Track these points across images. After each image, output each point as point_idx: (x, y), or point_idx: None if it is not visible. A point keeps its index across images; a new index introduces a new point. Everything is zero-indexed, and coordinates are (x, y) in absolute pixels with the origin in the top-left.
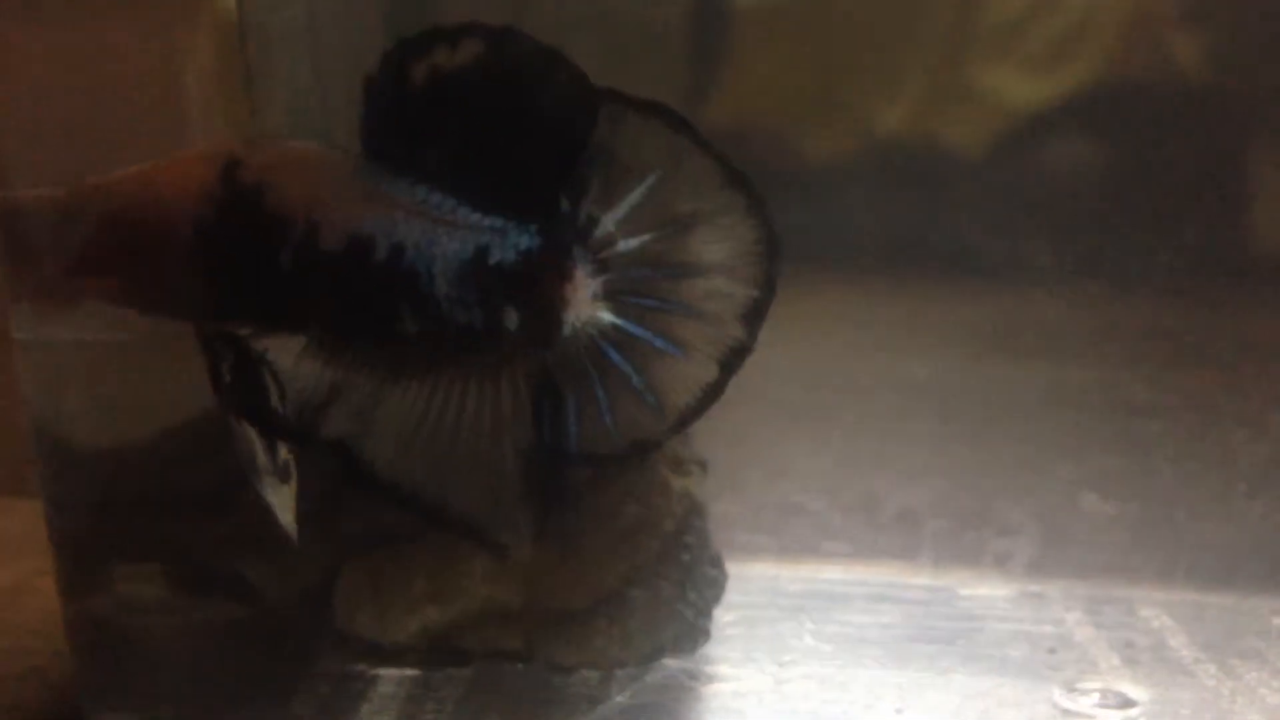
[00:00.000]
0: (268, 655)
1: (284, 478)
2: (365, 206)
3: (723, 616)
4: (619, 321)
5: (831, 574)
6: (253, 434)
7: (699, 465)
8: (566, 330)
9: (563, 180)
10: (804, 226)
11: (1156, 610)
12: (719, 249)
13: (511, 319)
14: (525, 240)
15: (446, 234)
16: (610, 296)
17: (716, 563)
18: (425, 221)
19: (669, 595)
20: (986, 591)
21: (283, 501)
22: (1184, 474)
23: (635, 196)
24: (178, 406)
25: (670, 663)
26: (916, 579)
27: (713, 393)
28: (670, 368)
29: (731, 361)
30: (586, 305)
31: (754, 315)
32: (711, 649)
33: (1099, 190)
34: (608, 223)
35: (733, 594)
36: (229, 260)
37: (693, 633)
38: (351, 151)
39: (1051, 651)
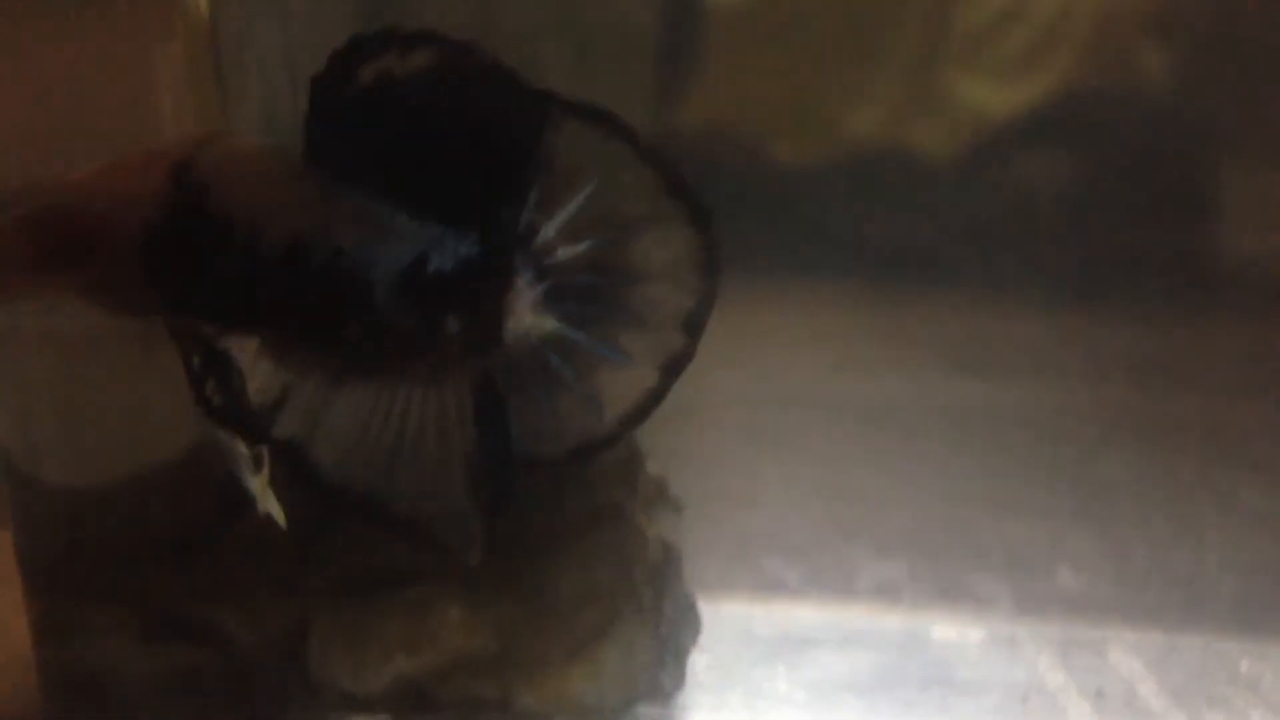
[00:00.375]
0: (240, 703)
1: (258, 466)
2: (308, 208)
3: (697, 660)
4: (560, 328)
5: (803, 615)
6: None
7: (674, 507)
8: (507, 337)
9: (504, 189)
10: (776, 234)
11: (1127, 654)
12: (660, 257)
13: (452, 326)
14: (465, 248)
15: (386, 240)
16: (551, 303)
17: (691, 609)
18: (366, 226)
19: (643, 643)
20: (959, 634)
21: (260, 490)
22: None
23: (575, 205)
24: (150, 447)
25: (645, 710)
26: (889, 622)
27: (655, 398)
28: (612, 373)
29: (673, 367)
30: (527, 313)
31: (695, 322)
32: (686, 695)
33: (1071, 201)
34: (548, 230)
35: (705, 635)
36: (178, 259)
37: (667, 680)
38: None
39: (1024, 700)
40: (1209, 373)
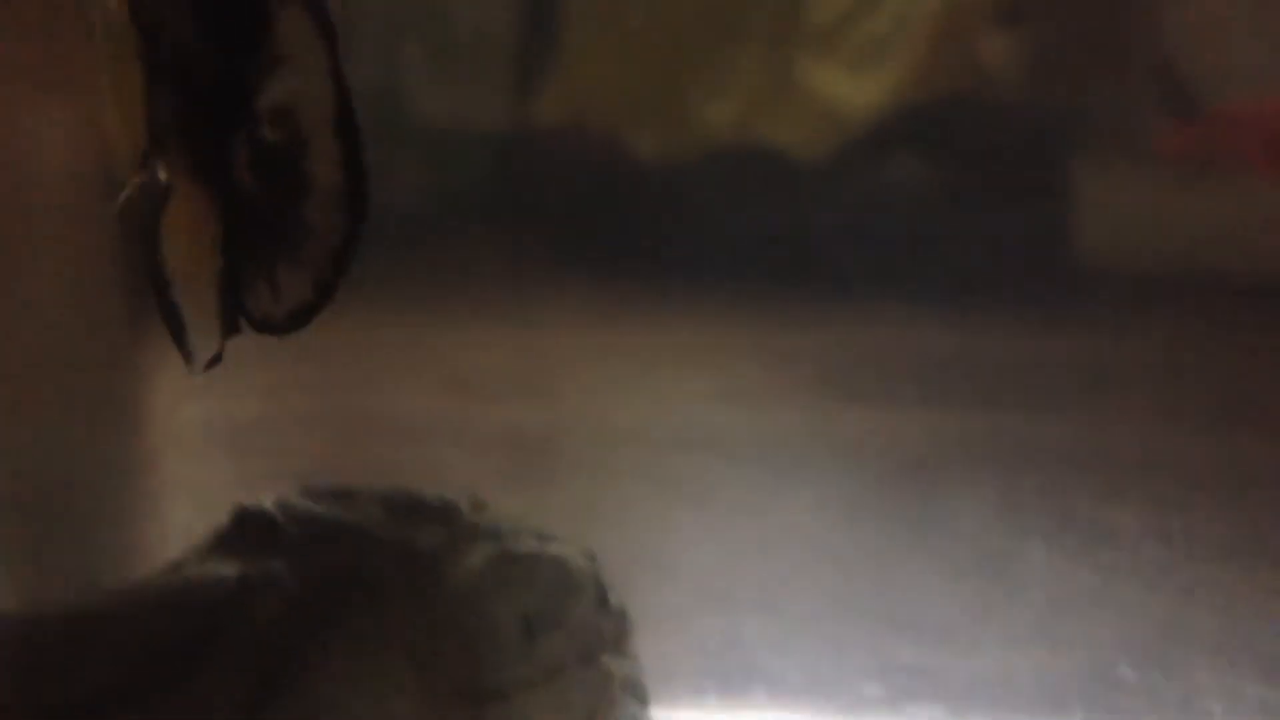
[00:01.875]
0: None
1: None
2: None
3: None
4: (253, 196)
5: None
6: None
7: (627, 634)
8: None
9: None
10: (644, 237)
11: None
12: (321, 183)
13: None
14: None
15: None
16: (258, 175)
17: None
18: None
19: None
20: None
21: None
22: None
23: (276, 88)
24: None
25: None
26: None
27: (309, 312)
28: (290, 272)
29: (321, 292)
30: (242, 165)
31: (339, 260)
32: None
33: (934, 200)
34: (261, 100)
35: None
36: None
37: None
38: None
39: None
40: (1086, 382)
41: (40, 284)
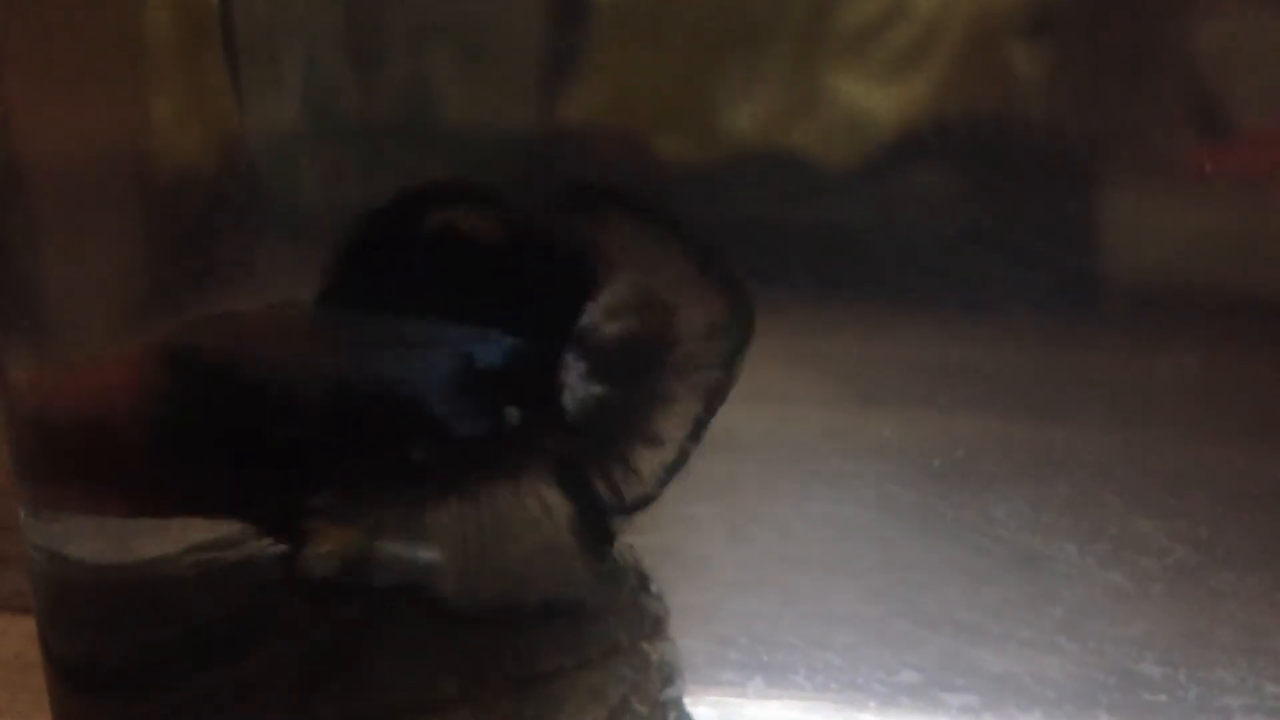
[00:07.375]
0: None
1: None
2: (341, 351)
3: None
4: (609, 391)
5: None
6: None
7: (665, 619)
8: (567, 412)
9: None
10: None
11: None
12: (696, 323)
13: (512, 417)
14: (507, 339)
15: (428, 354)
16: (597, 371)
17: None
18: (405, 348)
19: None
20: None
21: None
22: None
23: (618, 292)
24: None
25: None
26: None
27: (702, 424)
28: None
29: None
30: (580, 385)
31: (733, 360)
32: None
33: (961, 211)
34: (593, 313)
35: None
36: (198, 445)
37: None
38: None
39: None
40: (1117, 394)
41: None
